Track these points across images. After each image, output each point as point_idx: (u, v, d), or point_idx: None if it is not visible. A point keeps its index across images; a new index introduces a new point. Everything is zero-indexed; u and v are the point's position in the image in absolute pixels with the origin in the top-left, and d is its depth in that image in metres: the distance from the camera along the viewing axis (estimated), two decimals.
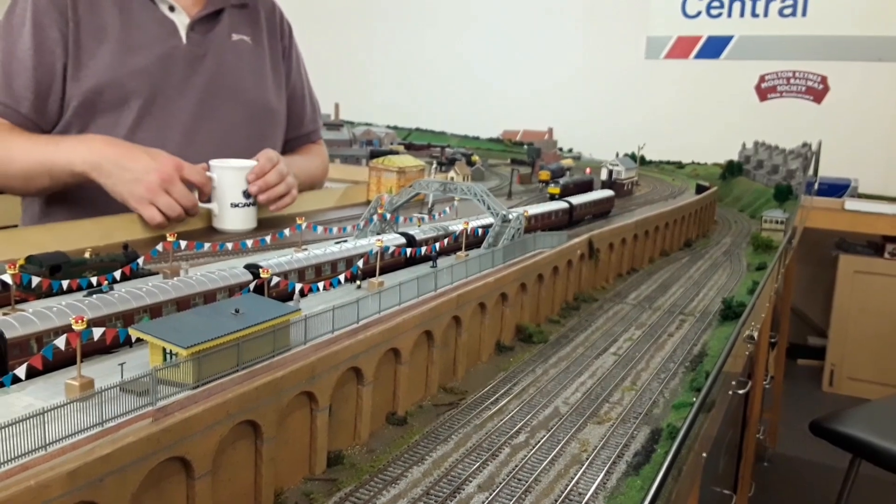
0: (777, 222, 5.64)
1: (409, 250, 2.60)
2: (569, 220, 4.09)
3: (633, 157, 8.85)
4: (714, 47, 12.22)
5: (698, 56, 12.39)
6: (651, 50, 12.59)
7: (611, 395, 2.51)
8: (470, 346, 2.61)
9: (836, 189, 10.32)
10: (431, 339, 2.32)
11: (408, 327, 2.15)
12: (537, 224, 3.71)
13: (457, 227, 3.00)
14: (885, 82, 10.75)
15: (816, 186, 10.45)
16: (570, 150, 10.16)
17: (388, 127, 10.95)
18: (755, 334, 3.41)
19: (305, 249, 2.43)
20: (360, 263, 2.32)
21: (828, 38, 11.20)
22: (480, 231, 3.03)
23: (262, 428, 1.58)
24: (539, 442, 2.11)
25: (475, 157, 7.57)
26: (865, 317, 10.34)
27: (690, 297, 3.90)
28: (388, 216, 3.10)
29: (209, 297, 1.95)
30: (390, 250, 2.56)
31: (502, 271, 2.80)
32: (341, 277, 2.22)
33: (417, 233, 2.89)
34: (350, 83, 13.12)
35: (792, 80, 11.79)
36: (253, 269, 2.14)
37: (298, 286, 2.00)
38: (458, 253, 2.80)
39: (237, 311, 1.63)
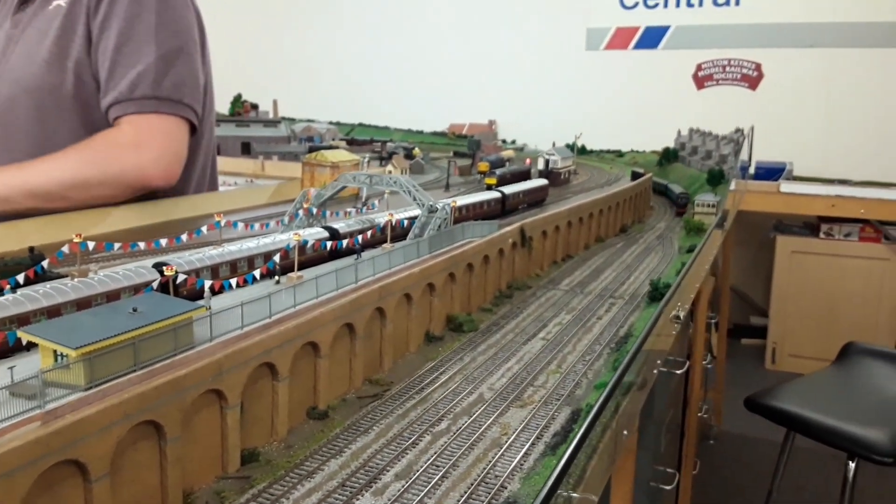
0: (708, 206, 5.77)
1: (329, 244, 2.57)
2: (501, 209, 4.12)
3: (570, 146, 8.98)
4: (652, 37, 12.44)
5: (637, 46, 12.60)
6: (591, 41, 12.76)
7: (535, 378, 2.54)
8: (396, 338, 2.61)
9: (773, 172, 10.61)
10: (353, 332, 2.31)
11: (326, 320, 2.14)
12: (469, 214, 3.72)
13: (382, 219, 2.99)
14: (818, 67, 11.07)
15: (753, 170, 10.74)
16: (514, 142, 10.24)
17: (331, 123, 10.87)
18: (681, 314, 3.48)
19: (222, 246, 2.39)
20: (277, 258, 2.29)
21: (761, 26, 11.50)
22: (406, 222, 3.02)
23: (164, 428, 1.55)
24: (461, 428, 2.12)
25: (416, 151, 7.57)
26: (804, 295, 10.66)
27: (622, 281, 3.97)
28: (315, 210, 3.07)
29: (112, 296, 1.90)
30: (309, 244, 2.54)
31: (428, 262, 2.80)
32: (256, 273, 2.19)
33: (342, 226, 2.88)
34: (291, 79, 12.98)
35: (727, 68, 12.08)
36: (161, 267, 2.10)
37: (208, 283, 1.96)
38: (384, 245, 2.79)
39: (135, 309, 1.59)
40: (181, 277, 2.00)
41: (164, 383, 1.55)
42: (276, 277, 2.25)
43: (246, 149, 7.05)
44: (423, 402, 2.30)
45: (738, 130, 8.13)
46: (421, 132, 10.76)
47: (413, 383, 2.45)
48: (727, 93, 12.27)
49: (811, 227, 10.75)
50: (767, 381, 10.97)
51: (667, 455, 5.97)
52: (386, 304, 2.46)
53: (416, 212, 3.06)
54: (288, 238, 2.49)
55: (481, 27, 12.94)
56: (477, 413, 2.23)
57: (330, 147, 7.19)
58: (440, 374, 2.54)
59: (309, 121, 10.71)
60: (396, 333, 2.60)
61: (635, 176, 6.28)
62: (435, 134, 10.59)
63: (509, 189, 4.20)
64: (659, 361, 3.21)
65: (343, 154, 4.44)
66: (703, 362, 7.00)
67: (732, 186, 6.92)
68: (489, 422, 2.17)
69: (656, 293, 3.51)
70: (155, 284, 1.97)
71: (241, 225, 2.72)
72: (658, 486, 5.19)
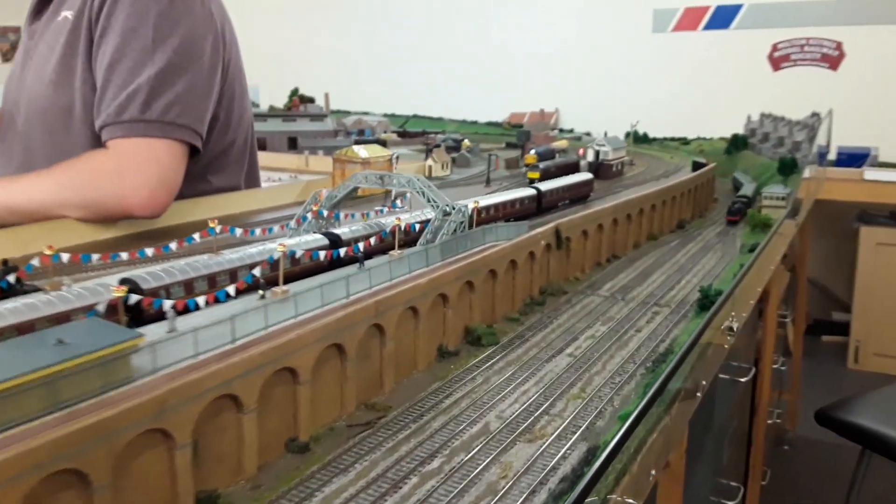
0: (778, 198, 5.30)
1: (322, 253, 2.34)
2: (537, 207, 3.82)
3: (634, 134, 8.52)
4: (724, 17, 11.76)
5: (707, 27, 11.94)
6: (658, 23, 12.16)
7: (553, 405, 2.26)
8: (400, 356, 2.37)
9: (856, 159, 9.85)
10: (343, 353, 2.08)
11: (305, 343, 1.91)
12: (498, 214, 3.44)
13: (391, 222, 2.76)
14: None
15: (835, 157, 10.00)
16: (571, 131, 9.83)
17: (385, 115, 10.72)
18: (735, 325, 3.12)
19: (198, 257, 2.20)
20: (258, 271, 2.09)
21: (843, 2, 10.69)
22: (419, 227, 2.78)
23: (89, 476, 1.36)
24: (455, 468, 1.87)
25: (466, 143, 7.30)
26: (890, 290, 9.89)
27: (671, 286, 3.62)
28: (326, 213, 2.86)
29: (62, 319, 1.73)
30: (299, 254, 2.31)
31: (440, 270, 2.54)
32: (230, 289, 1.98)
33: (345, 232, 2.65)
34: (346, 72, 12.90)
35: (806, 48, 11.29)
36: (131, 284, 1.92)
37: (168, 304, 1.77)
38: (392, 252, 2.56)
39: (60, 340, 1.40)
40: (140, 294, 1.81)
41: (88, 426, 1.35)
42: (261, 292, 2.04)
43: (293, 144, 6.95)
44: (420, 433, 2.06)
45: (814, 115, 7.53)
46: (476, 122, 10.48)
47: (414, 408, 2.20)
48: (806, 74, 11.48)
49: None
50: (849, 382, 10.25)
51: (730, 467, 5.55)
52: (385, 320, 2.22)
53: (431, 214, 2.80)
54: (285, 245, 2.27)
55: (543, 11, 12.52)
56: (477, 448, 1.97)
57: (375, 141, 7.02)
58: (446, 397, 2.29)
59: (363, 113, 10.59)
60: (400, 351, 2.36)
61: (696, 166, 5.85)
62: (490, 124, 10.30)
63: (546, 185, 3.90)
64: (715, 370, 2.87)
65: (376, 149, 4.23)
66: (775, 365, 6.50)
67: (807, 174, 6.38)
68: (489, 460, 1.91)
69: (706, 302, 3.15)
70: (101, 307, 1.78)
71: (238, 231, 2.52)
72: (720, 502, 4.81)
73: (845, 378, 10.10)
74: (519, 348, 2.73)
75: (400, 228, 2.58)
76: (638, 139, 9.16)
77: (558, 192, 3.98)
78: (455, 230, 2.68)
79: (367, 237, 2.59)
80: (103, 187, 3.31)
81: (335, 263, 2.49)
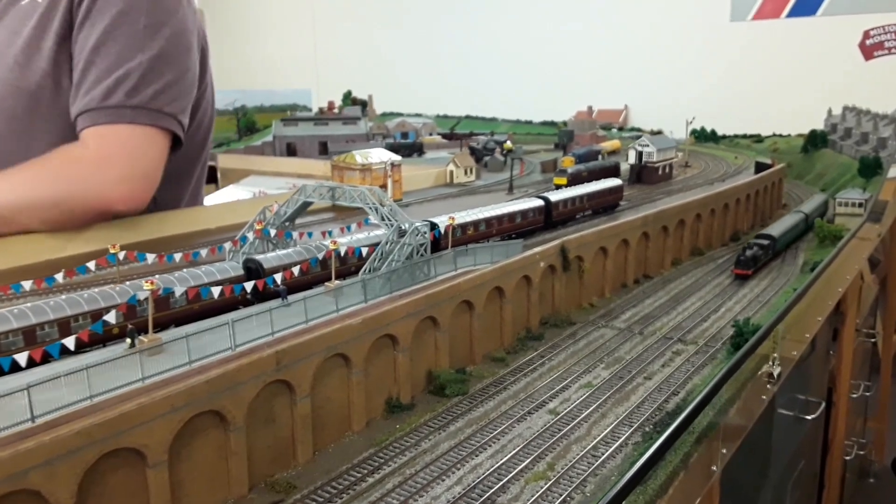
0: (854, 205, 4.56)
1: (218, 290, 1.91)
2: (545, 220, 3.28)
3: (700, 132, 7.78)
4: (809, 2, 10.75)
5: (791, 14, 10.93)
6: (737, 10, 11.24)
7: (504, 489, 1.75)
8: (323, 417, 1.92)
9: None
10: (225, 422, 1.64)
11: (156, 412, 1.49)
12: (491, 231, 2.94)
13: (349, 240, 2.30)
14: None
15: None
16: (639, 130, 9.12)
17: (438, 116, 10.32)
18: (777, 371, 2.51)
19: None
20: (112, 317, 1.67)
21: None
22: (366, 251, 2.31)
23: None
24: None
25: (508, 144, 6.79)
26: None
27: (705, 315, 3.02)
28: (273, 232, 2.44)
29: None
30: (179, 292, 1.88)
31: (384, 305, 2.08)
32: (69, 343, 1.57)
33: (269, 259, 2.22)
34: (399, 75, 12.53)
35: None
36: None
37: None
38: (328, 283, 2.11)
39: None
40: None
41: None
42: (129, 340, 1.63)
43: (324, 149, 6.61)
44: None
45: None
46: (530, 123, 9.92)
47: (325, 489, 1.75)
48: None
49: None
50: None
51: None
52: (293, 375, 1.77)
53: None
54: (184, 276, 1.86)
55: (612, 3, 11.79)
56: None
57: (407, 144, 6.61)
58: (372, 472, 1.82)
59: (416, 115, 10.20)
60: (324, 411, 1.91)
61: (760, 168, 5.15)
62: (545, 124, 9.72)
63: (558, 195, 3.36)
64: (752, 420, 2.29)
65: (381, 154, 3.79)
66: (856, 393, 5.69)
67: (893, 175, 5.56)
68: None
69: (741, 340, 2.56)
70: None
71: (150, 256, 2.13)
72: None
73: None
74: (491, 400, 2.23)
75: (338, 254, 2.12)
76: (705, 137, 8.40)
77: (574, 203, 3.43)
78: (411, 254, 2.20)
79: (289, 267, 2.14)
80: (81, 179, 2.99)
81: (260, 295, 2.06)
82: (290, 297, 1.93)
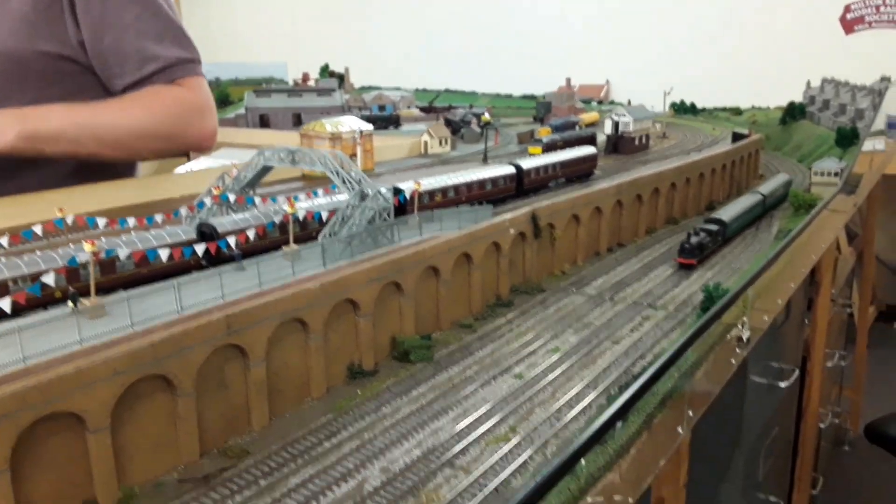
0: (830, 174, 4.55)
1: (165, 253, 1.84)
2: (517, 188, 3.23)
3: (679, 104, 7.74)
4: None
5: None
6: None
7: (465, 452, 1.72)
8: (280, 382, 1.87)
9: None
10: (172, 387, 1.59)
11: (95, 377, 1.43)
12: (460, 197, 2.88)
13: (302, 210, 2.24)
14: None
15: None
16: (611, 102, 9.07)
17: (417, 90, 10.19)
18: (746, 335, 2.49)
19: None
20: (52, 279, 1.60)
21: None
22: (326, 215, 2.25)
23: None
24: None
25: (486, 116, 6.70)
26: None
27: (676, 282, 3.00)
28: (232, 198, 2.37)
29: None
30: (124, 254, 1.81)
31: (343, 271, 2.02)
32: (5, 304, 1.51)
33: (224, 223, 2.15)
34: (378, 48, 12.37)
35: (882, 8, 10.13)
36: None
37: None
38: (285, 247, 2.05)
39: None
40: None
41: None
42: (71, 303, 1.56)
43: (298, 120, 6.50)
44: (268, 493, 1.55)
45: (883, 79, 6.62)
46: (510, 96, 9.84)
47: (279, 455, 1.70)
48: (882, 38, 10.31)
49: None
50: None
51: (771, 480, 4.87)
52: (245, 339, 1.72)
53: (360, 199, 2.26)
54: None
55: None
56: None
57: (391, 116, 6.51)
58: (329, 436, 1.78)
59: (395, 89, 10.07)
60: (280, 377, 1.86)
61: (736, 138, 5.12)
62: (524, 98, 9.63)
63: (530, 162, 3.30)
64: (719, 386, 2.27)
65: (352, 122, 3.71)
66: (831, 362, 5.72)
67: (869, 146, 5.56)
68: None
69: (710, 304, 2.53)
70: None
71: (101, 221, 2.06)
72: None
73: None
74: (456, 365, 2.19)
75: (296, 218, 2.06)
76: (684, 110, 8.37)
77: (547, 170, 3.38)
78: (374, 219, 2.14)
79: (244, 230, 2.08)
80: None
81: (214, 259, 2.00)
82: (246, 262, 1.87)
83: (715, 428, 3.48)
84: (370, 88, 10.17)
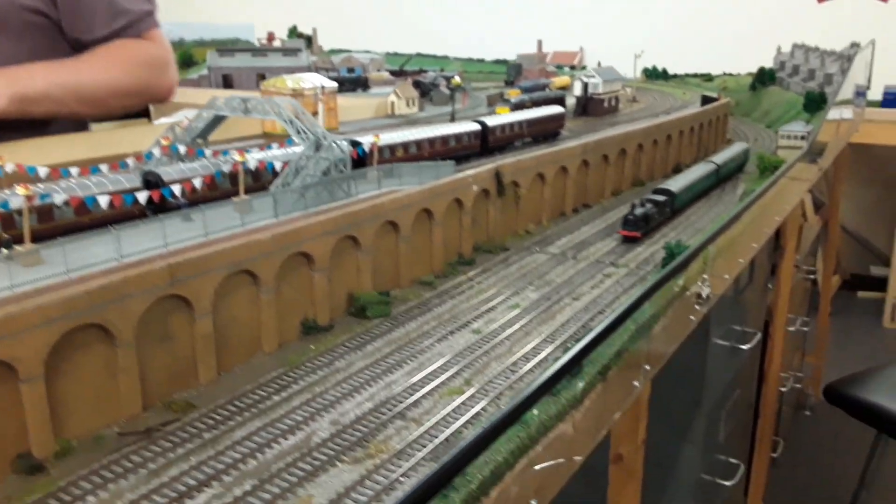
0: (797, 137, 4.55)
1: (105, 199, 1.77)
2: (482, 145, 3.17)
3: (651, 70, 7.71)
4: None
5: None
6: None
7: (417, 404, 1.69)
8: (228, 336, 1.82)
9: None
10: (111, 337, 1.52)
11: (32, 323, 1.37)
12: (422, 153, 2.82)
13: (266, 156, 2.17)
14: None
15: (881, 97, 9.01)
16: (583, 68, 8.99)
17: (388, 54, 10.02)
18: (706, 291, 2.48)
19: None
20: None
21: None
22: (280, 166, 2.18)
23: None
24: None
25: (456, 79, 6.61)
26: None
27: (639, 241, 2.98)
28: (182, 149, 2.29)
29: None
30: (60, 199, 1.73)
31: (296, 222, 1.96)
32: None
33: (170, 172, 2.08)
34: (349, 10, 12.14)
35: None
36: None
37: None
38: (234, 198, 1.98)
39: None
40: None
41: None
42: (4, 250, 1.49)
43: (263, 81, 6.34)
44: (212, 445, 1.51)
45: (853, 45, 6.63)
46: (482, 61, 9.72)
47: (225, 408, 1.66)
48: (854, 6, 10.34)
49: None
50: (884, 343, 9.44)
51: (732, 442, 4.95)
52: (190, 290, 1.66)
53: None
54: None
55: None
56: (277, 471, 1.42)
57: (359, 78, 6.39)
58: (279, 390, 1.73)
59: (364, 52, 9.89)
60: (232, 330, 1.81)
61: (706, 101, 5.10)
62: (497, 62, 9.53)
63: (495, 120, 3.25)
64: (675, 344, 2.26)
65: (311, 78, 3.61)
66: (792, 327, 5.80)
67: (835, 115, 5.57)
68: (286, 491, 1.36)
69: (671, 261, 2.52)
70: None
71: (43, 170, 1.97)
72: (714, 481, 4.23)
73: (880, 338, 9.31)
74: (414, 321, 2.15)
75: (248, 169, 1.99)
76: (655, 75, 8.34)
77: (513, 128, 3.33)
78: (329, 170, 2.08)
79: (190, 179, 2.01)
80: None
81: (159, 208, 1.93)
82: (193, 213, 1.80)
83: (676, 388, 3.50)
84: (340, 52, 9.98)
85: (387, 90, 6.13)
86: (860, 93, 7.03)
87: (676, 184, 3.28)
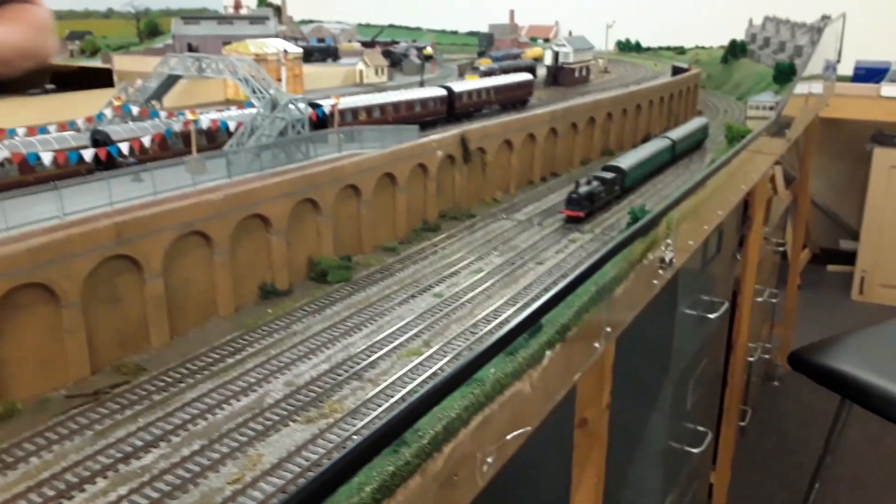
0: (765, 108, 4.56)
1: (47, 156, 1.71)
2: (449, 111, 3.13)
3: (625, 43, 7.68)
4: None
5: None
6: None
7: (374, 365, 1.66)
8: (184, 299, 1.77)
9: (875, 74, 8.88)
10: (56, 297, 1.48)
11: None
12: (386, 118, 2.77)
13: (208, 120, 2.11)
14: None
15: (852, 72, 9.07)
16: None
17: (361, 25, 9.87)
18: (669, 256, 2.47)
19: None
20: None
21: None
22: (233, 125, 2.13)
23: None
24: (172, 465, 1.29)
25: (428, 50, 6.54)
26: None
27: (605, 208, 2.97)
28: (135, 110, 2.22)
29: None
30: (1, 156, 1.68)
31: (251, 183, 1.92)
32: None
33: (118, 131, 2.01)
34: None
35: None
36: None
37: None
38: (188, 157, 1.92)
39: None
40: None
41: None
42: None
43: None
44: (161, 407, 1.48)
45: (824, 17, 6.64)
46: (455, 33, 9.61)
47: (176, 371, 1.62)
48: None
49: None
50: (852, 315, 9.58)
51: (699, 411, 5.00)
52: (139, 251, 1.61)
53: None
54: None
55: None
56: (224, 434, 1.39)
57: (329, 48, 6.29)
58: (233, 353, 1.70)
59: (338, 22, 9.74)
60: (185, 293, 1.76)
61: (676, 72, 5.09)
62: (470, 34, 9.43)
63: (461, 86, 3.20)
64: (636, 310, 2.25)
65: (276, 43, 3.53)
66: (760, 298, 5.85)
67: (804, 88, 5.59)
68: (229, 453, 1.33)
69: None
70: None
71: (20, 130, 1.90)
72: (682, 449, 4.27)
73: (848, 310, 9.44)
74: (375, 285, 2.13)
75: (201, 129, 1.93)
76: (629, 48, 8.31)
77: (480, 94, 3.28)
78: (285, 130, 2.03)
79: (139, 138, 1.95)
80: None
81: (107, 165, 1.87)
82: (144, 173, 1.75)
83: (643, 355, 3.51)
84: (311, 22, 9.82)
85: (357, 60, 6.05)
86: (830, 66, 7.06)
87: (627, 160, 3.12)
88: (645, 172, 3.15)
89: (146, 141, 1.86)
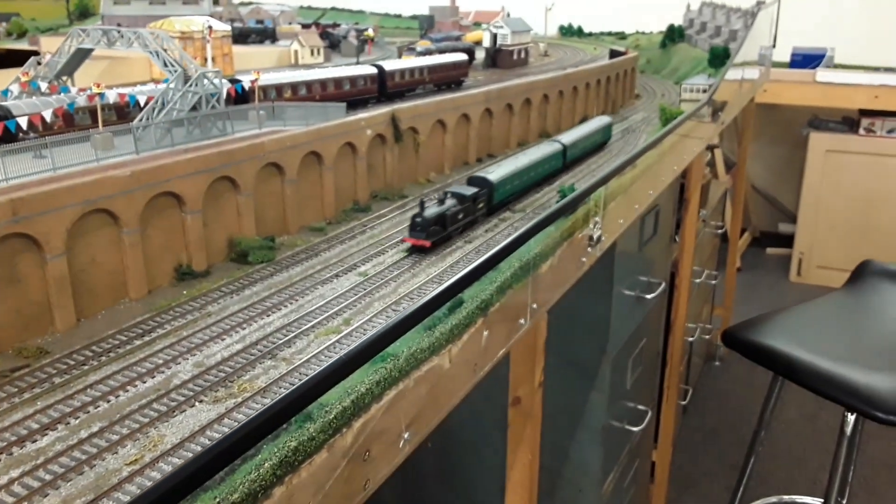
0: (699, 90, 4.63)
1: None
2: (380, 90, 3.08)
3: (567, 28, 7.71)
4: None
5: None
6: None
7: (290, 344, 1.62)
8: (91, 280, 1.70)
9: (811, 60, 9.12)
10: None
11: None
12: (312, 95, 2.71)
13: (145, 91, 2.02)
14: None
15: (789, 59, 9.28)
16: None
17: (302, 7, 9.70)
18: (597, 233, 2.48)
19: None
20: None
21: None
22: (143, 99, 2.05)
23: None
24: (62, 451, 1.23)
25: (369, 32, 6.46)
26: (837, 201, 9.37)
27: (539, 189, 2.97)
28: (44, 85, 2.12)
29: None
30: None
31: (161, 160, 1.84)
32: None
33: (19, 105, 1.92)
34: None
35: None
36: None
37: None
38: (93, 131, 1.84)
39: None
40: None
41: None
42: None
43: None
44: (52, 394, 1.41)
45: (759, 2, 6.77)
46: (399, 16, 9.53)
47: (79, 354, 1.55)
48: None
49: (851, 122, 9.34)
50: (790, 296, 9.88)
51: (639, 390, 5.09)
52: (37, 229, 1.53)
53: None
54: None
55: None
56: (120, 418, 1.33)
57: (267, 30, 6.15)
58: (141, 336, 1.63)
59: (277, 4, 9.55)
60: (91, 274, 1.69)
61: (614, 55, 5.12)
62: (414, 18, 9.36)
63: (393, 64, 3.15)
64: (565, 288, 2.25)
65: (203, 20, 3.42)
66: (699, 279, 5.97)
67: (737, 73, 5.69)
68: (124, 437, 1.27)
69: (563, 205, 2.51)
70: None
71: None
72: (623, 427, 4.33)
73: (787, 292, 9.72)
74: (299, 265, 2.08)
75: (108, 103, 1.85)
76: (571, 32, 8.37)
77: (413, 74, 3.24)
78: (199, 105, 1.95)
79: (33, 113, 1.86)
80: None
81: (4, 142, 1.78)
82: (45, 150, 1.66)
83: (580, 335, 3.53)
84: (250, 3, 9.60)
85: (284, 44, 5.93)
86: (765, 51, 7.21)
87: (499, 170, 2.50)
88: (524, 184, 2.60)
89: (47, 115, 1.77)
